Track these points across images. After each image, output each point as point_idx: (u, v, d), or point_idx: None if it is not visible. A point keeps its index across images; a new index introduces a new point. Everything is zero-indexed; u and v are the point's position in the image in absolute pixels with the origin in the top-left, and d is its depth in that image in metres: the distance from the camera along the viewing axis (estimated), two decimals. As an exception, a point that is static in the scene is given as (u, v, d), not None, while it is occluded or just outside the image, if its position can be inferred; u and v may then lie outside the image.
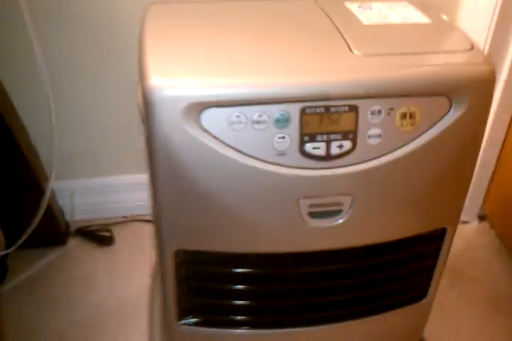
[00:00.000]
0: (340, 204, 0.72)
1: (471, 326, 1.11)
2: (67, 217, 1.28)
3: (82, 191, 1.27)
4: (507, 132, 1.21)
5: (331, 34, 0.72)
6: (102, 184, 1.30)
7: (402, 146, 0.69)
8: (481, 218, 1.34)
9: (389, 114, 0.67)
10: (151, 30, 0.73)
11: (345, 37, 0.71)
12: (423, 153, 0.70)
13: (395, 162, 0.70)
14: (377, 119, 0.67)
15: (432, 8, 0.81)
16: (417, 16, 0.78)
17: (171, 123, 0.64)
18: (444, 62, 0.69)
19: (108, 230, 1.28)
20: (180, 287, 0.80)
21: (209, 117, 0.65)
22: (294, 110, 0.66)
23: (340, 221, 0.73)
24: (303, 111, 0.66)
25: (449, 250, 0.85)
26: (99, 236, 1.26)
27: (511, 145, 1.22)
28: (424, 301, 0.90)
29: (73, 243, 1.26)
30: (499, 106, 1.17)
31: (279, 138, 0.66)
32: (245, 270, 0.78)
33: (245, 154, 0.67)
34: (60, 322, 1.08)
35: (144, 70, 0.65)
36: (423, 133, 0.69)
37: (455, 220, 0.81)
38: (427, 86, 0.67)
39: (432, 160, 0.71)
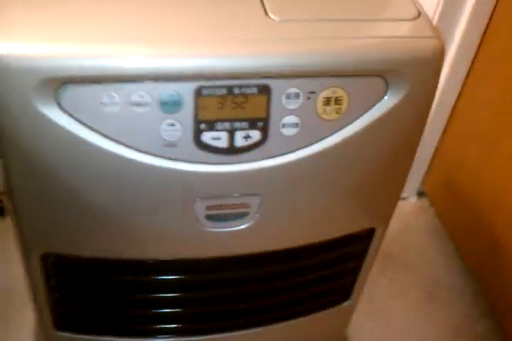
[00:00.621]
0: (246, 205, 0.58)
1: (402, 319, 1.00)
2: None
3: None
4: (453, 107, 1.09)
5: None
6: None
7: (323, 138, 0.55)
8: (420, 194, 1.24)
9: (309, 98, 0.53)
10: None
11: (263, -4, 0.55)
12: (349, 146, 0.56)
13: (315, 157, 0.56)
14: (293, 105, 0.53)
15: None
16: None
17: (20, 102, 0.48)
18: (380, 33, 0.54)
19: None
20: (52, 293, 0.66)
21: (73, 96, 0.49)
22: (186, 90, 0.50)
23: (246, 225, 0.59)
24: (198, 92, 0.50)
25: (377, 251, 0.73)
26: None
27: (456, 120, 1.10)
28: (347, 303, 0.79)
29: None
30: (447, 80, 1.04)
31: (168, 125, 0.51)
32: (136, 278, 0.65)
33: (121, 144, 0.51)
34: None
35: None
36: (351, 122, 0.55)
37: (385, 220, 0.69)
38: (358, 63, 0.52)
39: (360, 154, 0.58)
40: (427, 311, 1.02)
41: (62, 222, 0.58)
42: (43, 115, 0.49)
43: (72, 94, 0.49)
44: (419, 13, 0.56)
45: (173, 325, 0.71)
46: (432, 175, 1.19)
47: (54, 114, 0.49)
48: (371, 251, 0.72)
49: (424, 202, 1.23)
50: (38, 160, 0.52)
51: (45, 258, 0.62)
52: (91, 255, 0.61)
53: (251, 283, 0.69)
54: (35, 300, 0.67)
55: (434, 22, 0.97)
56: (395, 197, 0.67)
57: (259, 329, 0.76)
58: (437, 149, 1.15)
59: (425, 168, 1.19)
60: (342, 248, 0.69)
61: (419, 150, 1.13)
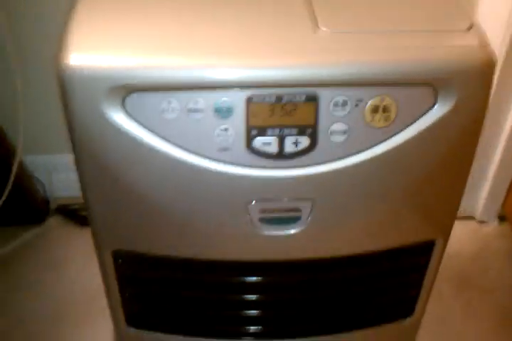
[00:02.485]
0: (297, 210, 0.61)
1: (476, 344, 0.98)
2: (49, 194, 1.20)
3: (65, 167, 1.19)
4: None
5: (299, 5, 0.59)
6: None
7: (373, 146, 0.57)
8: (502, 218, 1.20)
9: (357, 105, 0.55)
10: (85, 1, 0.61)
11: (315, 9, 0.58)
12: (399, 154, 0.58)
13: (364, 164, 0.58)
14: (341, 112, 0.55)
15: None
16: (412, -14, 0.64)
17: (90, 109, 0.54)
18: (429, 43, 0.55)
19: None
20: (123, 290, 0.71)
21: (136, 103, 0.54)
22: (238, 98, 0.54)
23: (299, 229, 0.62)
24: (249, 100, 0.54)
25: (439, 264, 0.72)
26: (79, 215, 1.18)
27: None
28: (410, 319, 0.78)
29: (52, 222, 1.18)
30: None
31: (221, 130, 0.55)
32: (195, 277, 0.69)
33: (180, 147, 0.56)
34: (22, 309, 1.01)
35: (62, 43, 0.54)
36: (400, 130, 0.57)
37: (445, 231, 0.69)
38: (406, 73, 0.54)
39: (410, 163, 0.59)
40: (502, 337, 0.98)
41: (130, 221, 0.63)
42: (111, 120, 0.54)
43: (136, 101, 0.54)
44: (472, 25, 0.57)
45: (238, 327, 0.74)
46: (512, 199, 1.15)
47: (121, 120, 0.54)
48: (432, 264, 0.72)
49: (505, 226, 1.19)
50: (107, 163, 0.57)
51: (116, 254, 0.67)
52: (156, 253, 0.65)
53: (307, 289, 0.71)
54: (109, 296, 0.73)
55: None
56: (453, 208, 0.67)
57: (323, 338, 0.77)
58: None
59: (505, 191, 1.15)
60: (400, 259, 0.69)
61: (498, 172, 1.11)
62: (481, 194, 1.17)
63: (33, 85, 1.05)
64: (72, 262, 1.10)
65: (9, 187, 1.02)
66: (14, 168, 1.01)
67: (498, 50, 0.97)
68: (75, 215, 1.18)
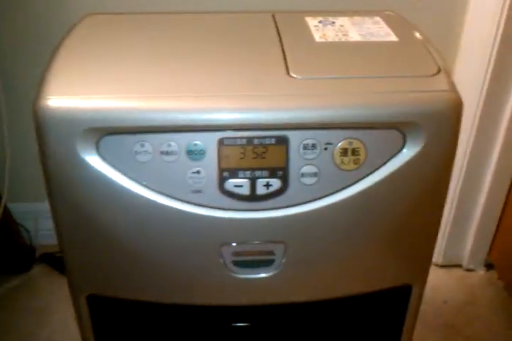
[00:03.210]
0: (270, 253, 0.61)
1: None
2: (34, 242, 1.20)
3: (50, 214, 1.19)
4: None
5: (272, 52, 0.62)
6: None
7: (343, 188, 0.58)
8: (488, 266, 1.19)
9: (326, 149, 0.56)
10: (68, 43, 0.64)
11: (287, 56, 0.61)
12: (370, 196, 0.58)
13: (336, 206, 0.58)
14: (311, 155, 0.56)
15: (411, 25, 0.69)
16: (383, 34, 0.66)
17: (65, 150, 0.55)
18: (396, 88, 0.57)
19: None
20: (98, 336, 0.70)
21: (109, 145, 0.55)
22: (210, 140, 0.55)
23: (272, 273, 0.61)
24: (221, 142, 0.55)
25: (416, 313, 0.71)
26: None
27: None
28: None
29: (37, 270, 1.17)
30: (501, 152, 1.04)
31: (193, 172, 0.56)
32: (169, 321, 0.68)
33: (153, 190, 0.57)
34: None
35: (40, 86, 0.56)
36: (370, 173, 0.58)
37: (421, 275, 0.68)
38: (373, 117, 0.56)
39: (381, 205, 0.59)
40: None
41: (104, 265, 0.62)
42: (85, 162, 0.55)
43: (110, 143, 0.55)
44: (439, 70, 0.59)
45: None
46: (498, 247, 1.15)
47: (94, 162, 0.55)
48: (410, 311, 0.71)
49: (492, 274, 1.18)
50: (81, 204, 0.57)
51: (90, 299, 0.66)
52: (130, 297, 0.65)
53: (283, 336, 0.70)
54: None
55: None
56: (427, 252, 0.66)
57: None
58: (501, 220, 1.12)
59: (490, 239, 1.15)
60: (376, 305, 0.69)
61: (483, 221, 1.12)
62: (467, 242, 1.17)
63: (19, 133, 1.07)
64: (56, 310, 1.09)
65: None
66: (-1, 213, 1.02)
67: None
68: (60, 263, 1.17)
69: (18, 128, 1.07)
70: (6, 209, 1.08)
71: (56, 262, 1.18)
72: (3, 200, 1.05)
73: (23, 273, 1.16)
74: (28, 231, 1.19)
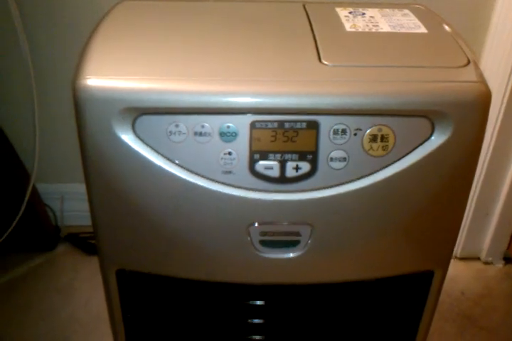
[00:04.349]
0: (297, 234, 0.62)
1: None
2: (59, 223, 1.23)
3: (76, 196, 1.22)
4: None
5: (304, 40, 0.63)
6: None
7: (371, 173, 0.59)
8: (507, 260, 1.20)
9: (355, 134, 0.57)
10: (105, 27, 0.66)
11: (319, 44, 0.62)
12: (397, 183, 0.60)
13: (363, 191, 0.59)
14: (341, 140, 0.58)
15: (440, 18, 0.70)
16: (413, 25, 0.67)
17: (102, 129, 0.57)
18: (426, 78, 0.58)
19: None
20: (126, 310, 0.73)
21: (145, 125, 0.57)
22: (242, 123, 0.57)
23: (298, 253, 0.63)
24: (253, 125, 0.57)
25: (437, 297, 0.73)
26: (88, 244, 1.20)
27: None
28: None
29: (61, 249, 1.20)
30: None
31: (225, 154, 0.58)
32: (196, 298, 0.70)
33: (185, 169, 0.58)
34: (26, 332, 1.02)
35: (79, 67, 0.58)
36: (398, 159, 0.59)
37: (442, 263, 0.70)
38: (404, 105, 0.57)
39: (407, 191, 0.61)
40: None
41: (134, 241, 0.64)
42: (121, 141, 0.57)
43: (145, 122, 0.57)
44: (468, 61, 0.60)
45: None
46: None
47: (130, 140, 0.57)
48: (430, 297, 0.72)
49: (510, 268, 1.19)
50: (115, 181, 0.60)
51: (119, 274, 0.68)
52: (159, 273, 0.67)
53: (305, 314, 0.71)
54: (111, 317, 0.74)
55: None
56: (451, 238, 0.68)
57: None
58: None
59: (510, 233, 1.16)
60: (398, 289, 0.70)
61: (503, 214, 1.12)
62: (486, 235, 1.18)
63: (50, 115, 1.10)
64: (79, 288, 1.12)
65: (21, 213, 1.05)
66: (27, 195, 1.04)
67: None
68: (84, 244, 1.21)
69: (48, 112, 1.10)
70: (33, 189, 1.10)
71: (81, 242, 1.21)
72: (32, 180, 1.08)
73: (47, 252, 1.19)
74: (53, 211, 1.22)
